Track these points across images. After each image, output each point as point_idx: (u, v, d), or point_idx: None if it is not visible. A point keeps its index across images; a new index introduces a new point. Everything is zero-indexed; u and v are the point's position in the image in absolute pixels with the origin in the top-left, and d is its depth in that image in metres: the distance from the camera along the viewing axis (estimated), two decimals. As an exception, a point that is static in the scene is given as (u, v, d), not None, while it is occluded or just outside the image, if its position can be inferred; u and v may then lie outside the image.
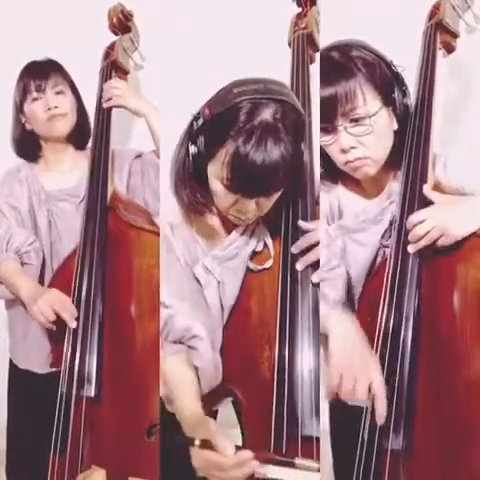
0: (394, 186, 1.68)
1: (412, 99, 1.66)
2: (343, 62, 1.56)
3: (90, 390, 1.72)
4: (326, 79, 1.55)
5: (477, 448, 1.45)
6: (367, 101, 1.55)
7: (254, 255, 1.65)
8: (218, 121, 1.47)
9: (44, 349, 1.95)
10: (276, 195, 1.53)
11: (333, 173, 1.73)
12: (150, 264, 1.71)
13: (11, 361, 2.12)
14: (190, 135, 1.54)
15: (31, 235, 1.99)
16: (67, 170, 2.09)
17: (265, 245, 1.65)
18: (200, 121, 1.51)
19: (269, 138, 1.41)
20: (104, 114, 1.97)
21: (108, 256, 1.80)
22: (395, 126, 1.63)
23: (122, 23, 2.11)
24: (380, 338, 1.53)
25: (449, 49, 1.83)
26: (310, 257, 1.55)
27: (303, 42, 1.87)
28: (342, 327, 1.53)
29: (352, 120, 1.55)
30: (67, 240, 1.99)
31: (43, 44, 2.24)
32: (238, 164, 1.43)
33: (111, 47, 2.09)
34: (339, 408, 1.70)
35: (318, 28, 1.94)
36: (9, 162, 2.12)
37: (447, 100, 2.04)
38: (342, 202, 1.75)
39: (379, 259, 1.67)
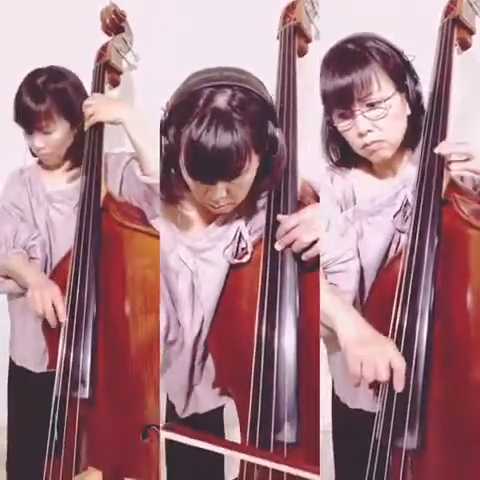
0: (408, 170, 1.72)
1: (428, 96, 1.69)
2: (358, 52, 1.63)
3: (84, 392, 1.73)
4: (343, 68, 1.61)
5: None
6: (381, 87, 1.61)
7: (236, 251, 1.67)
8: (179, 111, 1.50)
9: (40, 348, 1.99)
10: (243, 180, 1.53)
11: (348, 159, 1.77)
12: (143, 265, 1.71)
13: (11, 357, 2.16)
14: (161, 128, 1.57)
15: (34, 229, 2.04)
16: (67, 173, 2.09)
17: (243, 240, 1.67)
18: (166, 113, 1.55)
19: (220, 123, 1.44)
20: None
21: (102, 257, 1.79)
22: (408, 111, 1.68)
23: (115, 23, 2.11)
24: (394, 336, 1.53)
25: (464, 46, 1.83)
26: (286, 240, 1.56)
27: (290, 34, 1.88)
28: (352, 318, 1.57)
29: (368, 105, 1.62)
30: (62, 241, 2.00)
31: (37, 46, 2.26)
32: (191, 149, 1.46)
33: (103, 48, 2.08)
34: (341, 412, 1.84)
35: (309, 18, 1.97)
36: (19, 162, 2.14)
37: (461, 97, 1.98)
38: (356, 188, 1.78)
39: (394, 246, 1.69)
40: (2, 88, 2.03)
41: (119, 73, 2.09)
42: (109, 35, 2.10)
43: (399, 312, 1.52)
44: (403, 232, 1.65)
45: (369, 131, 1.63)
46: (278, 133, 1.54)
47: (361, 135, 1.63)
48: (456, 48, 1.77)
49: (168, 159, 1.57)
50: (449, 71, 1.68)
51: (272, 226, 1.59)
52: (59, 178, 2.09)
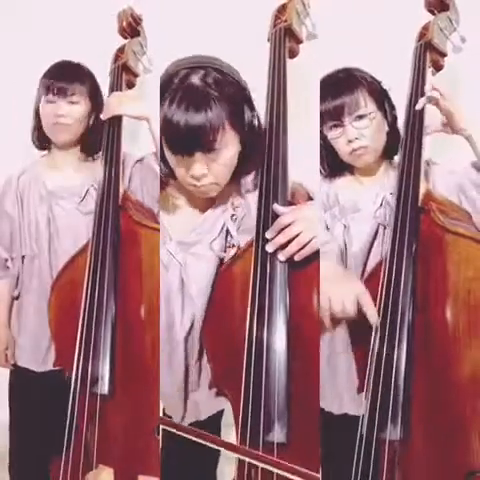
0: (387, 176, 2.02)
1: (404, 115, 1.88)
2: (349, 79, 1.98)
3: (104, 388, 1.75)
4: (336, 92, 1.94)
5: (468, 438, 1.59)
6: (367, 104, 1.95)
7: (225, 245, 1.77)
8: (161, 95, 1.60)
9: (41, 347, 2.11)
10: (221, 156, 1.63)
11: (333, 169, 2.08)
12: (159, 264, 1.75)
13: None
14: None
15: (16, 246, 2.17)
16: (71, 169, 2.20)
17: (230, 233, 1.76)
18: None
19: (192, 98, 1.55)
20: (115, 117, 2.01)
21: (120, 255, 1.83)
22: (386, 128, 2.00)
23: (132, 27, 2.16)
24: (378, 332, 1.66)
25: (437, 67, 1.99)
26: (280, 239, 1.59)
27: (280, 36, 1.89)
28: (330, 264, 1.77)
29: (356, 117, 1.94)
30: (65, 238, 2.11)
31: (55, 46, 2.36)
32: (167, 123, 1.56)
33: (121, 50, 2.14)
34: (326, 421, 1.85)
35: (300, 19, 1.96)
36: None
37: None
38: (340, 194, 2.04)
39: (379, 240, 1.94)
40: (14, 89, 2.22)
41: (135, 76, 2.15)
42: (125, 38, 2.16)
43: (381, 312, 1.64)
44: (385, 227, 1.90)
45: (356, 139, 1.93)
46: (256, 119, 1.69)
47: (350, 141, 1.94)
48: (430, 70, 1.94)
49: (160, 150, 1.68)
50: (423, 90, 1.84)
51: (263, 226, 1.62)
52: (62, 173, 2.18)
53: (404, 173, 1.77)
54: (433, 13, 2.00)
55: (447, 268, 1.63)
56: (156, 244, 1.76)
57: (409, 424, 1.58)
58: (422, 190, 1.76)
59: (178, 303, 1.75)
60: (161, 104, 1.58)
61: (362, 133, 1.94)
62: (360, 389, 1.70)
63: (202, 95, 1.56)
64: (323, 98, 1.94)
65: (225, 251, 1.75)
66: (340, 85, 1.96)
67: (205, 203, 1.79)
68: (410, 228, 1.69)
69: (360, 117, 1.94)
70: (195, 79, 1.58)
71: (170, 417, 1.82)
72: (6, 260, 2.18)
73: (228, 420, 1.76)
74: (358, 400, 1.72)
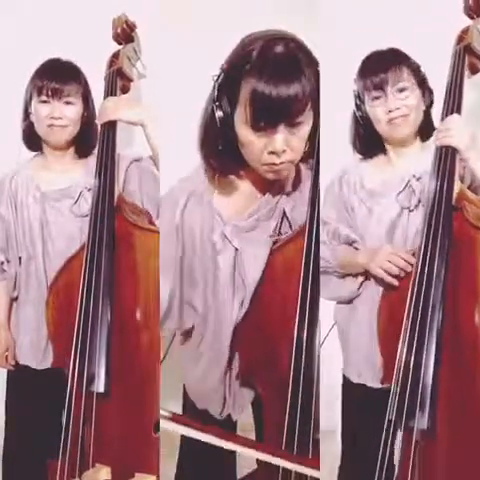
0: (417, 160, 1.96)
1: (440, 116, 1.85)
2: (394, 54, 1.99)
3: (100, 386, 1.73)
4: (382, 64, 1.96)
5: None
6: (410, 78, 1.95)
7: (280, 228, 1.69)
8: (235, 68, 1.52)
9: (40, 344, 2.04)
10: (301, 132, 1.53)
11: (366, 150, 2.07)
12: (156, 266, 1.72)
13: None
14: (213, 97, 1.56)
15: (11, 248, 2.10)
16: (64, 171, 2.11)
17: (287, 221, 1.68)
18: (221, 77, 1.55)
19: (285, 67, 1.47)
20: (110, 121, 1.96)
21: (116, 257, 1.81)
22: (423, 107, 1.98)
23: (126, 33, 2.11)
24: (408, 328, 1.62)
25: (474, 70, 1.96)
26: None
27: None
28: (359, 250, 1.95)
29: (398, 89, 1.94)
30: (59, 240, 2.04)
31: (48, 47, 2.24)
32: (257, 97, 1.47)
33: (116, 56, 2.09)
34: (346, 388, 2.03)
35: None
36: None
37: (472, 115, 2.14)
38: (369, 176, 2.03)
39: (401, 221, 1.94)
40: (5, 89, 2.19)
41: (130, 81, 2.10)
42: (119, 44, 2.11)
43: (412, 310, 1.61)
44: (409, 210, 1.91)
45: (397, 108, 1.92)
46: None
47: (390, 111, 1.93)
48: (467, 73, 1.90)
49: (223, 127, 1.56)
50: (460, 93, 1.83)
51: (317, 217, 1.57)
52: (55, 174, 2.09)
53: (439, 171, 1.73)
54: (472, 17, 1.99)
55: (478, 267, 1.60)
56: (152, 245, 1.74)
57: (435, 416, 1.56)
58: (456, 189, 1.73)
59: (229, 290, 1.67)
60: (244, 77, 1.49)
61: (403, 104, 1.94)
62: (383, 381, 1.71)
63: (291, 65, 1.48)
64: (367, 71, 1.97)
65: (280, 234, 1.69)
66: (386, 59, 1.99)
67: (264, 186, 1.70)
68: (443, 227, 1.66)
69: (401, 90, 1.95)
70: (279, 50, 1.50)
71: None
72: (2, 263, 2.14)
73: (248, 424, 1.77)
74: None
